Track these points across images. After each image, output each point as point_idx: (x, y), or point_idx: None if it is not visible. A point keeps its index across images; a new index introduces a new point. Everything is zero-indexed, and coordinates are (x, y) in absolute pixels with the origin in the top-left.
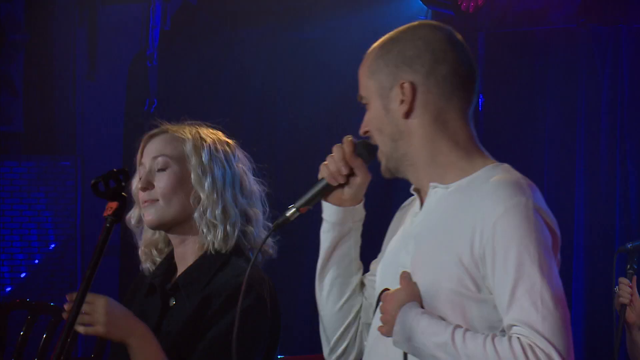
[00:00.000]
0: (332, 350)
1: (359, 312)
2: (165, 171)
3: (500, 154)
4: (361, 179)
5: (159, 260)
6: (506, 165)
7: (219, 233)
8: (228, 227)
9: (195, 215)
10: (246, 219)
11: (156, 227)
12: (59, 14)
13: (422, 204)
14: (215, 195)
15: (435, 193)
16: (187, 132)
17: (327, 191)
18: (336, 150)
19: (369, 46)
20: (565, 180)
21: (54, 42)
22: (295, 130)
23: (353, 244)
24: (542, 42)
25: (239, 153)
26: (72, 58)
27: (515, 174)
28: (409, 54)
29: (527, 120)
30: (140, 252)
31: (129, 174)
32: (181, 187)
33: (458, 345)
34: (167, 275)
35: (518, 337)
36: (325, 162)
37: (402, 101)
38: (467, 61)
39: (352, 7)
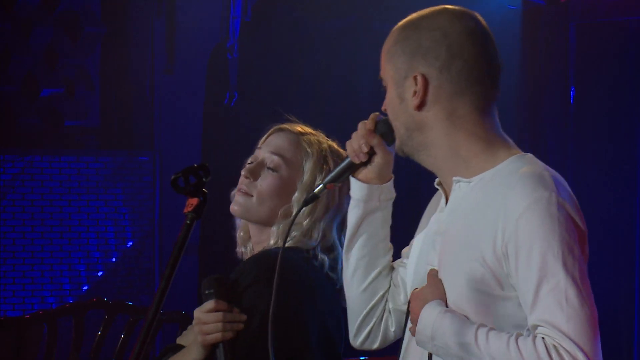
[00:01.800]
0: (356, 333)
1: (384, 295)
2: (274, 172)
3: (592, 148)
4: (381, 158)
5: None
6: (530, 156)
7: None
8: (300, 244)
9: (274, 228)
10: (322, 247)
11: (238, 217)
12: (136, 5)
13: (447, 198)
14: (308, 221)
15: (459, 187)
16: (315, 145)
17: (352, 169)
18: (360, 127)
19: None
20: None
21: (131, 34)
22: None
23: (380, 224)
24: (636, 32)
25: None
26: (149, 50)
27: (540, 166)
28: (425, 45)
29: (620, 115)
30: (237, 235)
31: (209, 169)
32: (280, 195)
33: (481, 346)
34: None
35: (542, 338)
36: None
37: (414, 92)
38: (487, 54)
39: None
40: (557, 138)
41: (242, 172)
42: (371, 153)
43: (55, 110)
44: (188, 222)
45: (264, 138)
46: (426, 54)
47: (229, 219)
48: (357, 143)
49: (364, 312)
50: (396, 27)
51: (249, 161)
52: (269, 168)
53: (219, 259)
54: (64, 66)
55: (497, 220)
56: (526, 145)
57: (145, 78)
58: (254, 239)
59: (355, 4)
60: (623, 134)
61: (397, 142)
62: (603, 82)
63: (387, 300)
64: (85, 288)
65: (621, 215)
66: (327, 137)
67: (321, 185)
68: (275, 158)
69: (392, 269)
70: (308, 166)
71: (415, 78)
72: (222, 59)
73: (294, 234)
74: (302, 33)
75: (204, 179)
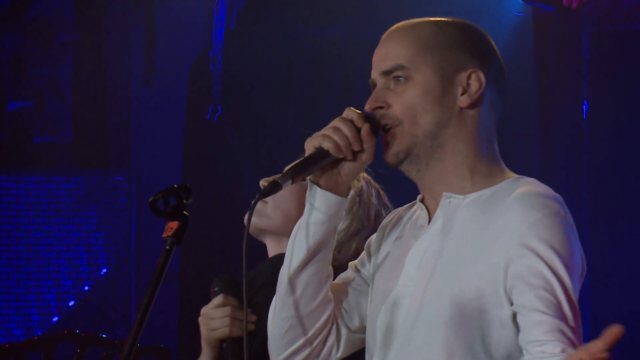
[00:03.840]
0: (291, 355)
1: (330, 315)
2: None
3: (607, 165)
4: (367, 158)
5: None
6: (532, 179)
7: None
8: None
9: None
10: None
11: (252, 230)
12: (112, 11)
13: (429, 215)
14: (343, 235)
15: (449, 204)
16: None
17: (325, 162)
18: (344, 124)
19: None
20: None
21: (106, 42)
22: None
23: (334, 242)
24: None
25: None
26: (126, 60)
27: (545, 186)
28: (479, 46)
29: (637, 129)
30: None
31: (190, 190)
32: (299, 202)
33: None
34: None
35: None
36: (323, 133)
37: (464, 91)
38: None
39: (443, 2)
40: (570, 156)
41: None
42: (358, 152)
43: (24, 125)
44: (167, 247)
45: None
46: (482, 56)
47: (212, 244)
48: (344, 137)
49: (309, 334)
50: (422, 21)
51: None
52: None
53: (200, 287)
54: (33, 77)
55: (504, 236)
56: (536, 164)
57: (121, 90)
58: (271, 254)
59: (348, 11)
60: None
61: (403, 144)
62: (618, 94)
63: (333, 322)
64: (55, 319)
65: None
66: None
67: (290, 180)
68: None
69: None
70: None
71: (470, 75)
72: (205, 70)
73: None
74: (291, 42)
75: (185, 201)
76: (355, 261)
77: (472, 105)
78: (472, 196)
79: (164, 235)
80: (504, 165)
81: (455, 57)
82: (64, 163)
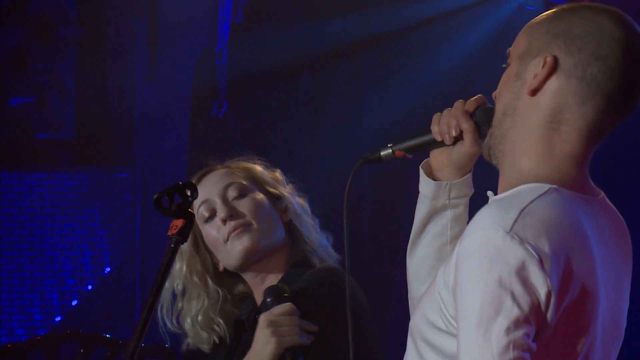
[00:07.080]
0: None
1: None
2: (244, 197)
3: (623, 167)
4: (466, 147)
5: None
6: (552, 189)
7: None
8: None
9: (305, 247)
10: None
11: (250, 251)
12: (115, 5)
13: None
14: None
15: None
16: (243, 163)
17: (430, 146)
18: (457, 105)
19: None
20: None
21: (109, 37)
22: (383, 132)
23: (450, 224)
24: None
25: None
26: (130, 55)
27: (526, 199)
28: (574, 31)
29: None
30: (189, 324)
31: (196, 187)
32: (269, 212)
33: None
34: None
35: None
36: (440, 113)
37: (535, 75)
38: (633, 78)
39: None
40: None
41: (219, 221)
42: (458, 138)
43: (25, 122)
44: (172, 245)
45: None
46: (570, 40)
47: None
48: (446, 121)
49: None
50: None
51: (205, 217)
52: (236, 198)
53: None
54: (34, 72)
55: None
56: None
57: (125, 86)
58: (255, 280)
59: (355, 4)
60: None
61: (488, 135)
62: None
63: None
64: (58, 319)
65: None
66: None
67: (390, 150)
68: (233, 187)
69: None
70: (266, 175)
71: (545, 59)
72: (210, 65)
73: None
74: (297, 36)
75: (190, 199)
76: None
77: (538, 91)
78: (495, 198)
79: (169, 233)
80: (565, 168)
81: (540, 40)
82: (66, 160)
